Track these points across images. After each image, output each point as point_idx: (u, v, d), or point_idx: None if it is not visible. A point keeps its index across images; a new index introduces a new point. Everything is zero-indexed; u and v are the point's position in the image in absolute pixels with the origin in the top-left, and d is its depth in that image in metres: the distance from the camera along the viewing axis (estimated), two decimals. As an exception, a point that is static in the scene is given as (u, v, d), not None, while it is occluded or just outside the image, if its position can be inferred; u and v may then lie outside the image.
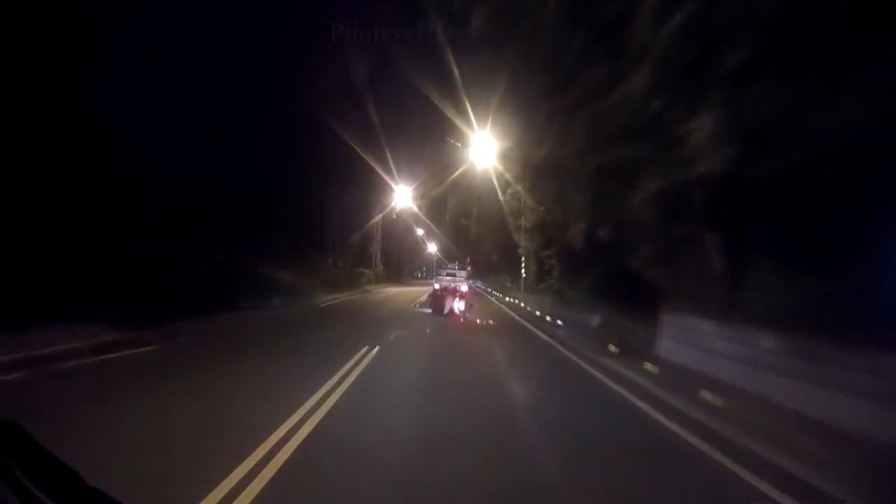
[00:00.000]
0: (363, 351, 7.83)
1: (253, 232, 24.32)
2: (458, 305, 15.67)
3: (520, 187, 19.83)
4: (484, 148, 21.83)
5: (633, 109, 6.92)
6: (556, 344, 10.12)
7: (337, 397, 5.12)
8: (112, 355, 7.25)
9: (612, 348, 8.84)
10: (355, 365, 6.81)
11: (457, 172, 24.63)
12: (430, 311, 15.88)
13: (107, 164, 19.97)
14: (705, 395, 6.05)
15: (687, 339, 8.55)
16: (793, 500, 3.25)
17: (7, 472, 1.18)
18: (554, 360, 8.59)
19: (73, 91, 15.70)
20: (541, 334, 11.49)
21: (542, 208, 18.26)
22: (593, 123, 7.96)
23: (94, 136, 17.53)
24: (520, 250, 22.38)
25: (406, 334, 10.47)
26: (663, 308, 9.50)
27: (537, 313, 15.34)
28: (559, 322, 12.43)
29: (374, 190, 34.94)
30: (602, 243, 10.04)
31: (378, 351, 7.99)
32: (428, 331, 11.53)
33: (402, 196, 37.49)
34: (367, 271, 36.14)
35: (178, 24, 24.56)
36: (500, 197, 22.02)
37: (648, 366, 7.46)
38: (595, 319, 12.45)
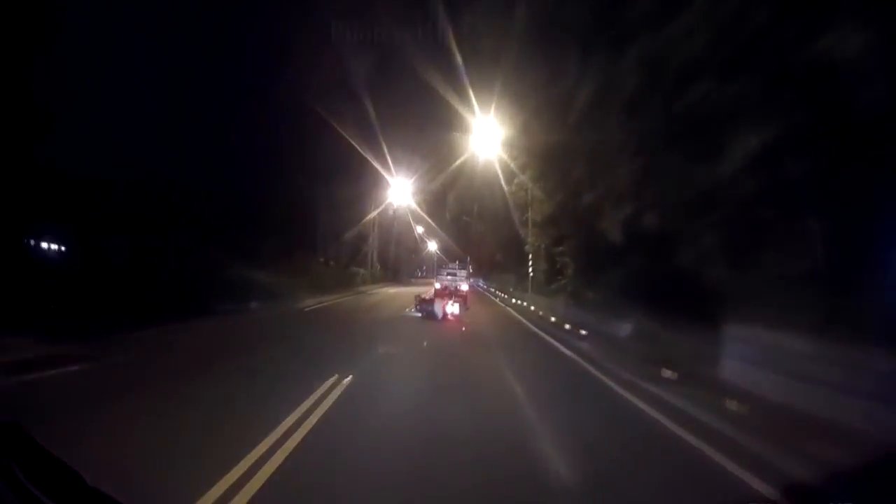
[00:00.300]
0: (329, 383, 5.64)
1: (235, 230, 22.52)
2: (453, 309, 13.35)
3: (527, 177, 17.62)
4: (487, 136, 19.74)
5: (719, 31, 4.73)
6: (584, 363, 7.90)
7: (267, 475, 2.96)
8: (26, 377, 5.80)
9: (667, 373, 6.64)
10: (313, 408, 4.63)
11: (458, 161, 22.40)
12: (421, 315, 13.62)
13: (56, 156, 17.92)
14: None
15: (767, 361, 6.37)
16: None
17: (7, 473, 1.16)
18: (590, 390, 6.37)
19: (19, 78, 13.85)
20: (562, 348, 9.28)
21: (553, 201, 16.05)
22: (650, 63, 5.77)
23: (39, 126, 15.59)
24: (526, 247, 20.16)
25: (393, 352, 8.26)
26: (728, 317, 7.33)
27: (552, 319, 13.14)
28: (582, 332, 10.23)
29: (369, 185, 32.70)
30: (643, 234, 7.85)
31: (350, 382, 5.77)
32: (424, 345, 9.32)
33: (400, 191, 35.25)
34: (362, 271, 33.94)
35: (156, 11, 22.46)
36: (505, 188, 19.83)
37: (731, 403, 5.27)
38: (625, 328, 10.26)
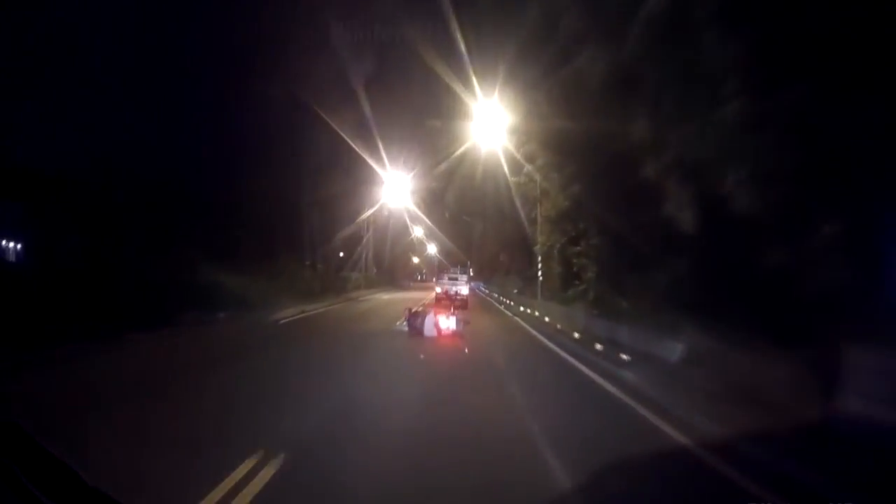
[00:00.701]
0: (234, 476, 3.25)
1: (210, 231, 20.35)
2: (449, 324, 10.65)
3: (537, 166, 15.25)
4: (490, 124, 17.45)
5: None
6: (642, 408, 5.42)
7: None
8: None
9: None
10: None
11: (458, 152, 20.05)
12: (411, 333, 10.84)
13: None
14: None
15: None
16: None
17: (7, 473, 1.16)
18: (673, 466, 3.94)
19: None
20: (601, 381, 6.82)
21: (568, 193, 13.69)
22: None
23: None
24: (536, 248, 17.74)
25: (364, 396, 5.87)
26: (852, 338, 5.01)
27: (575, 335, 10.73)
28: (622, 356, 7.84)
29: (362, 183, 30.15)
30: (719, 219, 5.50)
31: (274, 478, 3.35)
32: (410, 382, 6.94)
33: (396, 189, 32.79)
34: (355, 275, 31.58)
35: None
36: (511, 180, 17.50)
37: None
38: (675, 349, 7.87)
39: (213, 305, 14.74)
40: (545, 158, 14.62)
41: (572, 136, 11.38)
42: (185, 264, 18.42)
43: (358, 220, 31.45)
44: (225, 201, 22.06)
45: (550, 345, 10.19)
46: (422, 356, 8.52)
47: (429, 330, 10.31)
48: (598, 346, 8.85)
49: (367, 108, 23.86)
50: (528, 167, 15.78)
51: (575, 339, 10.21)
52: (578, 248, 14.57)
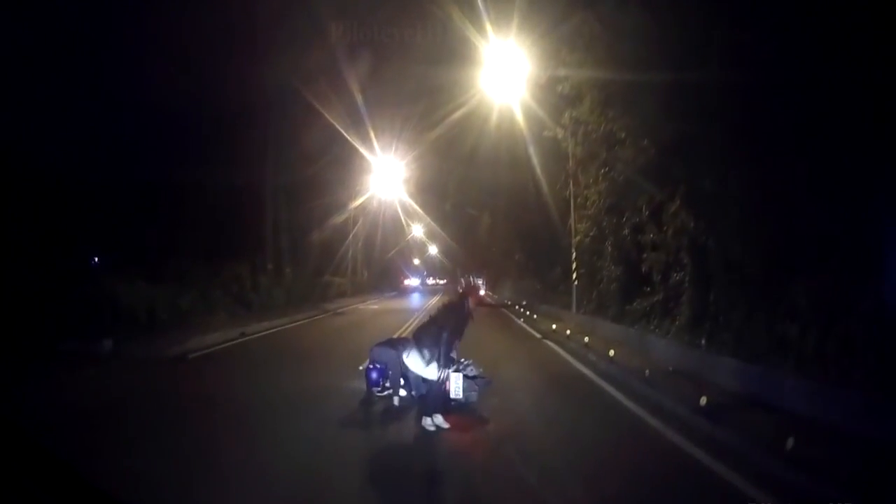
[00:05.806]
0: None
1: (114, 231, 15.57)
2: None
3: (582, 107, 10.00)
4: (505, 73, 12.52)
5: None
6: None
7: None
8: None
9: None
10: None
11: (459, 112, 14.82)
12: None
13: None
14: None
15: None
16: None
17: (8, 472, 1.14)
18: None
19: None
20: None
21: (643, 142, 8.51)
22: None
23: None
24: (575, 239, 12.41)
25: None
26: None
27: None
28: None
29: (347, 169, 24.94)
30: None
31: None
32: None
33: (388, 177, 27.52)
34: (339, 280, 26.41)
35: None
36: (545, 134, 12.24)
37: None
38: None
39: (105, 328, 9.96)
40: (596, 94, 9.42)
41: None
42: (78, 271, 13.59)
43: (343, 214, 26.15)
44: (158, 196, 16.99)
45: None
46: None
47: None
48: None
49: (351, 75, 18.47)
50: (573, 111, 10.43)
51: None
52: (651, 235, 9.36)
